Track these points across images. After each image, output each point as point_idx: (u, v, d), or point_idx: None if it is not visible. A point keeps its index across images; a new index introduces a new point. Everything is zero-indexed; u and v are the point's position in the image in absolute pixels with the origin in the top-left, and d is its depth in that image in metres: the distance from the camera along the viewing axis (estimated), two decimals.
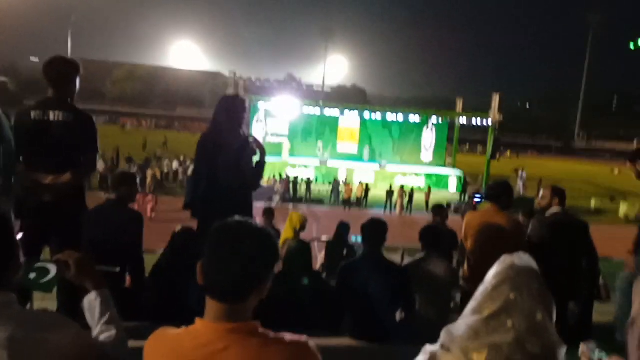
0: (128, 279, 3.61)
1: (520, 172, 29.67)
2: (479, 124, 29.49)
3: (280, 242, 6.49)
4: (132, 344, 1.57)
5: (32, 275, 1.66)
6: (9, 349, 1.27)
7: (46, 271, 1.67)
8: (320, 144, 31.72)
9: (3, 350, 1.26)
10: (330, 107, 31.72)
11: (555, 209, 4.40)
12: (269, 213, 6.76)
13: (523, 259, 1.47)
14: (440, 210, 6.48)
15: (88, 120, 3.29)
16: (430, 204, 22.79)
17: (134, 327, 2.26)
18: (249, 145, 3.56)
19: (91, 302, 1.58)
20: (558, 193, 4.47)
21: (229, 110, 3.59)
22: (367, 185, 25.37)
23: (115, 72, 78.31)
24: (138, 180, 3.90)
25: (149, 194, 19.47)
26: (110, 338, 1.52)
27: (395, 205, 23.99)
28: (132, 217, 3.63)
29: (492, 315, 1.37)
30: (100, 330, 1.54)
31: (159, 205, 18.15)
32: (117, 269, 2.07)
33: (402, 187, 25.09)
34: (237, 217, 1.33)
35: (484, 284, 1.45)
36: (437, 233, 3.94)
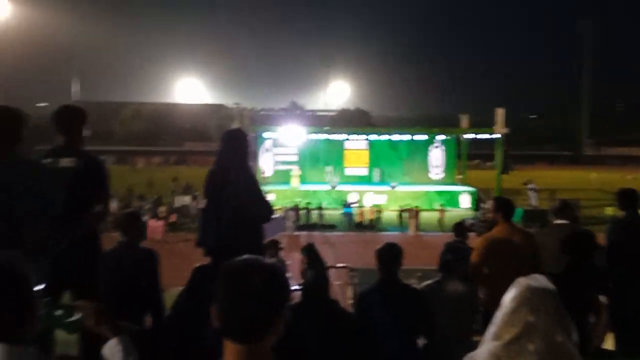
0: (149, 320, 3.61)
1: (530, 185, 29.41)
2: (486, 137, 29.52)
3: None
4: None
5: (59, 312, 1.64)
6: None
7: (72, 311, 1.65)
8: (328, 169, 31.79)
9: None
10: (336, 132, 31.89)
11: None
12: (273, 246, 6.73)
13: (538, 279, 1.47)
14: (460, 228, 6.28)
15: (99, 165, 3.35)
16: (445, 223, 22.65)
17: None
18: (256, 179, 3.57)
19: (112, 350, 1.59)
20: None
21: (232, 145, 3.62)
22: (379, 207, 25.27)
23: (122, 112, 79.46)
24: (147, 217, 3.92)
25: (160, 219, 20.43)
26: None
27: (409, 226, 23.84)
28: (146, 257, 3.64)
29: (513, 340, 1.37)
30: None
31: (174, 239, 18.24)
32: (136, 327, 2.03)
33: (414, 207, 24.96)
34: (244, 256, 1.33)
35: (501, 308, 1.45)
36: (457, 253, 3.85)
